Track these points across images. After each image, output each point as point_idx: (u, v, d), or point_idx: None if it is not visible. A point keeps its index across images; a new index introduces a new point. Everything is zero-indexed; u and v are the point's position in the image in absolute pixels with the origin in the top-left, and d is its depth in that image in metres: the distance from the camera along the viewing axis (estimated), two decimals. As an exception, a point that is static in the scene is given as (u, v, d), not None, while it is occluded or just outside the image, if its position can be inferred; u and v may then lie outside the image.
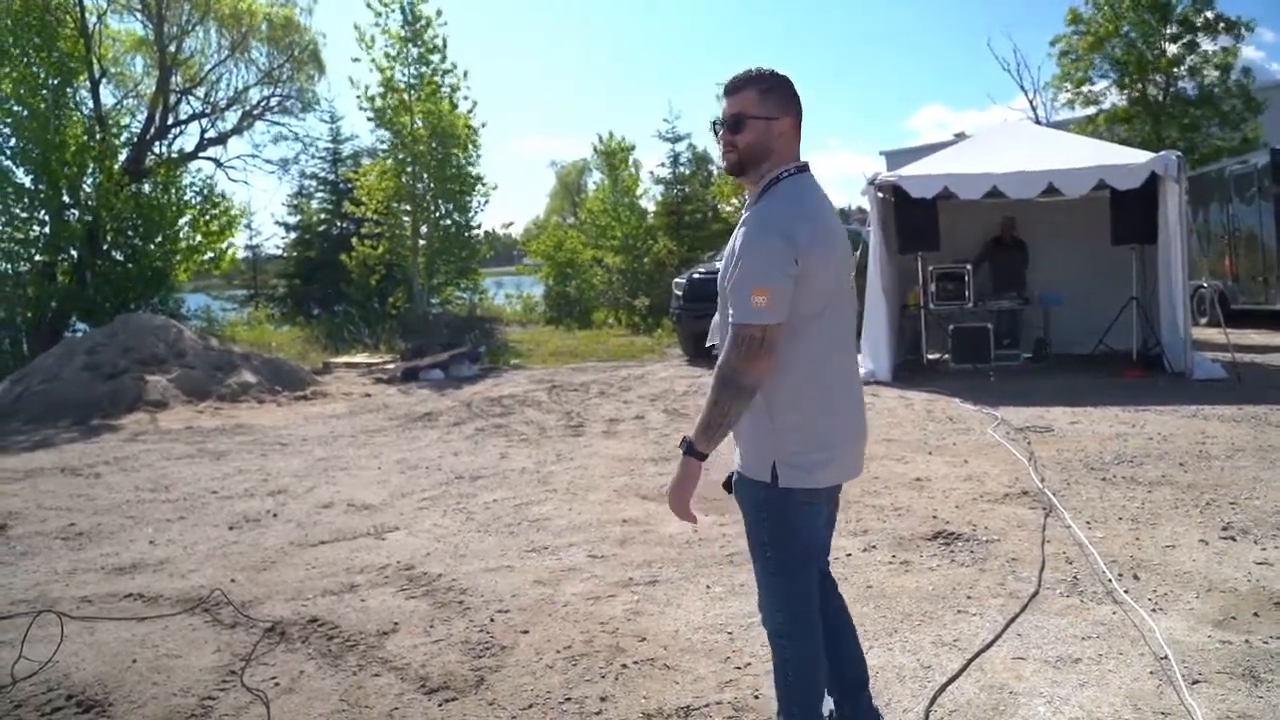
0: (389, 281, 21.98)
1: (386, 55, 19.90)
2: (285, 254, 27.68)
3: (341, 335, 19.52)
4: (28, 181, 18.79)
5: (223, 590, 5.02)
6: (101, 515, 6.96)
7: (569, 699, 3.67)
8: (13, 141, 18.56)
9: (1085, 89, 26.74)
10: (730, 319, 2.63)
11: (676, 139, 26.89)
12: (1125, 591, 4.43)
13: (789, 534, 2.78)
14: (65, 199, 19.14)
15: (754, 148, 2.75)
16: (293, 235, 27.15)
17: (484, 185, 21.30)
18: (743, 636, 4.15)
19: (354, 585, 5.10)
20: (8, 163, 18.57)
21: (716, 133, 2.85)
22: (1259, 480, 6.30)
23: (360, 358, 16.93)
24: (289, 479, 7.89)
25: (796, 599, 2.85)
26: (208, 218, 21.78)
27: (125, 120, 22.36)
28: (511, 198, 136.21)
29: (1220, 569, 4.71)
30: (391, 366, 15.35)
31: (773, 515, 2.77)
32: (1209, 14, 24.56)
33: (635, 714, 3.53)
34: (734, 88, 2.78)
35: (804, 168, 2.79)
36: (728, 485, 2.89)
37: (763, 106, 2.73)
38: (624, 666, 3.93)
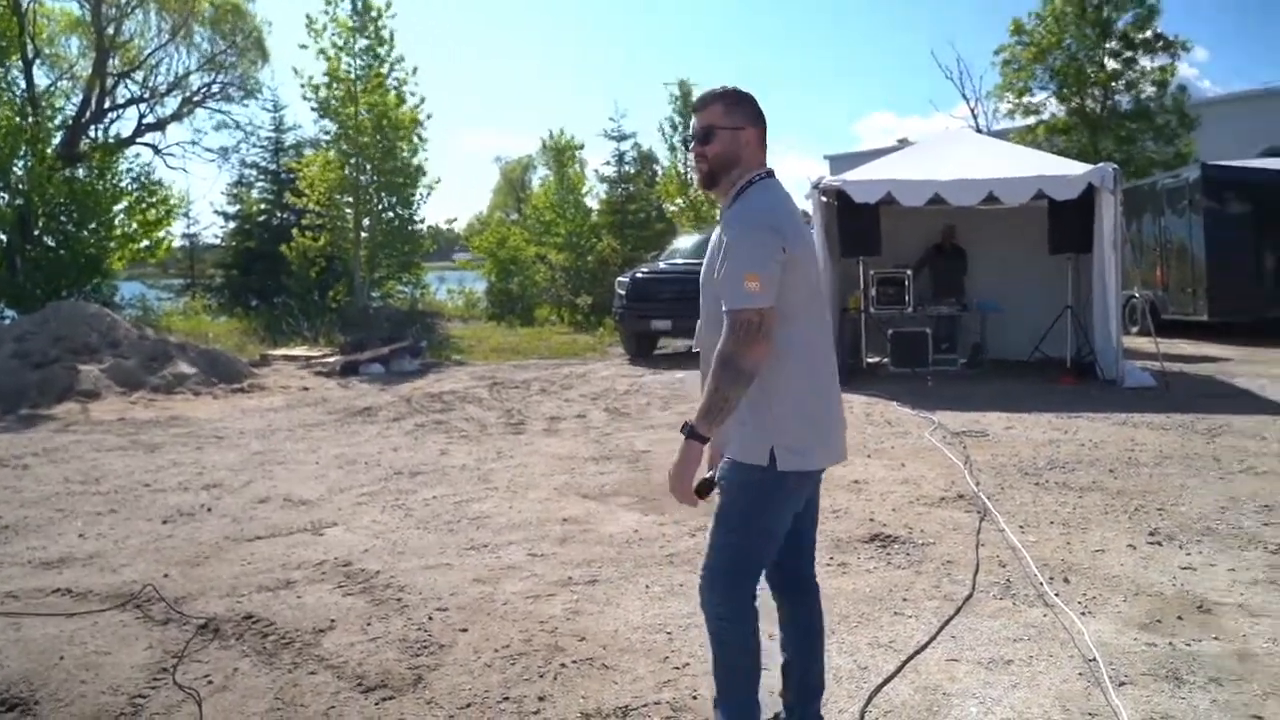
0: (329, 274, 21.71)
1: (334, 45, 19.64)
2: (224, 244, 27.21)
3: (280, 327, 19.26)
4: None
5: (155, 586, 4.93)
6: (29, 508, 6.80)
7: (507, 698, 3.67)
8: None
9: (1026, 99, 27.21)
10: (725, 308, 2.72)
11: (622, 138, 26.96)
12: (1056, 595, 4.53)
13: (760, 520, 2.85)
14: (-5, 182, 18.69)
15: (723, 157, 2.91)
16: (232, 225, 26.67)
17: (426, 178, 21.11)
18: (681, 637, 4.17)
19: (290, 581, 5.04)
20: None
21: (687, 146, 2.99)
22: (1185, 487, 6.47)
23: (299, 350, 16.71)
24: (224, 473, 7.77)
25: (744, 585, 2.90)
26: (144, 205, 21.37)
27: (59, 103, 21.91)
28: (455, 193, 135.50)
29: (1147, 573, 4.83)
30: (331, 360, 15.17)
31: (756, 498, 2.84)
32: (1149, 32, 25.12)
33: (574, 714, 3.54)
34: (702, 104, 2.99)
35: (771, 173, 2.94)
36: (701, 490, 2.89)
37: (729, 118, 2.91)
38: (563, 666, 3.93)
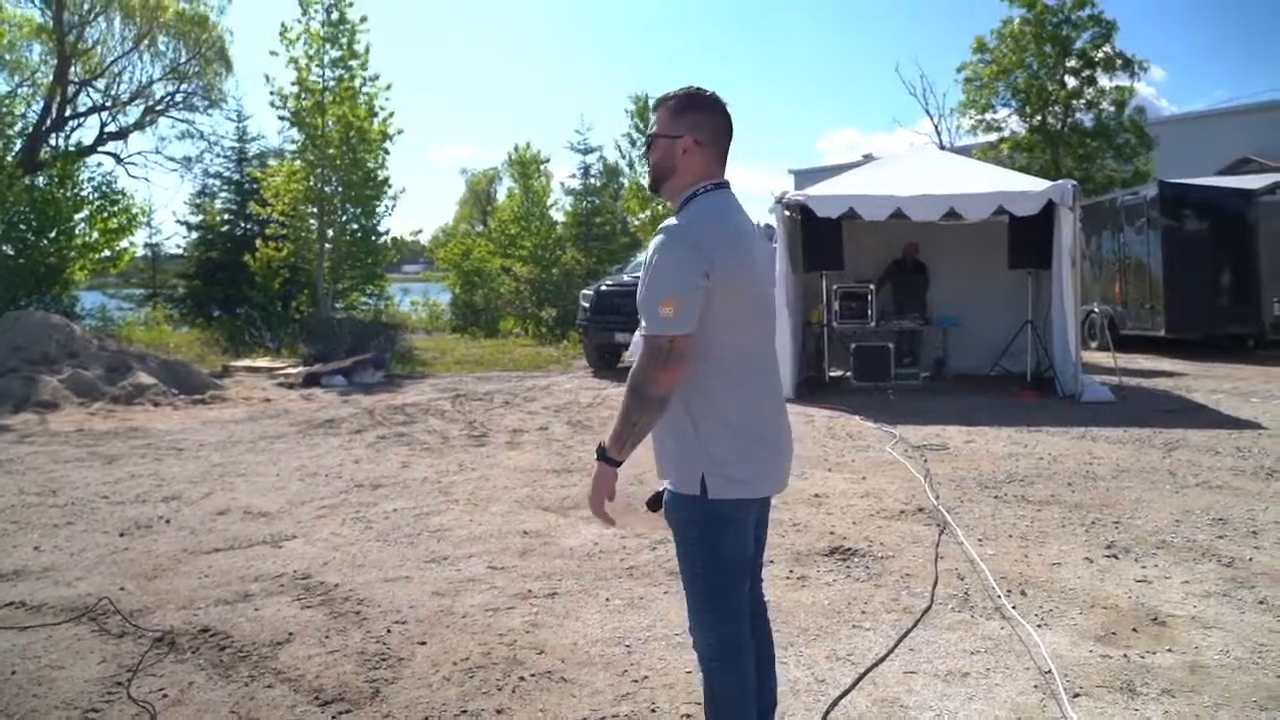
0: (293, 285, 21.55)
1: (306, 55, 19.50)
2: (186, 254, 26.90)
3: (243, 338, 19.11)
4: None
5: (111, 599, 4.87)
6: (-18, 520, 6.71)
7: (465, 711, 3.65)
8: (-103, 127, 17.87)
9: (988, 116, 27.56)
10: (641, 331, 2.65)
11: (587, 150, 26.95)
12: (1013, 607, 4.57)
13: (717, 551, 2.76)
14: (-48, 190, 18.48)
15: (659, 165, 2.83)
16: (194, 235, 26.39)
17: (390, 189, 20.96)
18: (641, 649, 4.17)
19: (248, 594, 4.99)
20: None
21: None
22: (1141, 501, 6.55)
23: (262, 362, 16.58)
24: (184, 485, 7.69)
25: (727, 618, 2.81)
26: (105, 214, 21.17)
27: (20, 109, 21.60)
28: (422, 204, 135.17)
29: (1103, 586, 4.88)
30: (294, 372, 15.06)
31: (703, 530, 2.74)
32: (1108, 49, 25.50)
33: (531, 727, 3.53)
34: (654, 107, 2.90)
35: (722, 185, 2.81)
36: (653, 504, 2.87)
37: (669, 126, 2.80)
38: (521, 679, 3.92)
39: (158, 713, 3.66)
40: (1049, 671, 3.84)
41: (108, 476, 8.08)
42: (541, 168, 27.55)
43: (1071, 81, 26.11)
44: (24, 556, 5.79)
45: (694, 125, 2.78)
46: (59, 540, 6.14)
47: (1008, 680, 3.81)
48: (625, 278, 15.84)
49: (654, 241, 2.70)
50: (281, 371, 15.33)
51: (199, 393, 12.90)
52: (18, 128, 21.05)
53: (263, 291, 21.21)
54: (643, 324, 2.64)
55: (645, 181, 2.97)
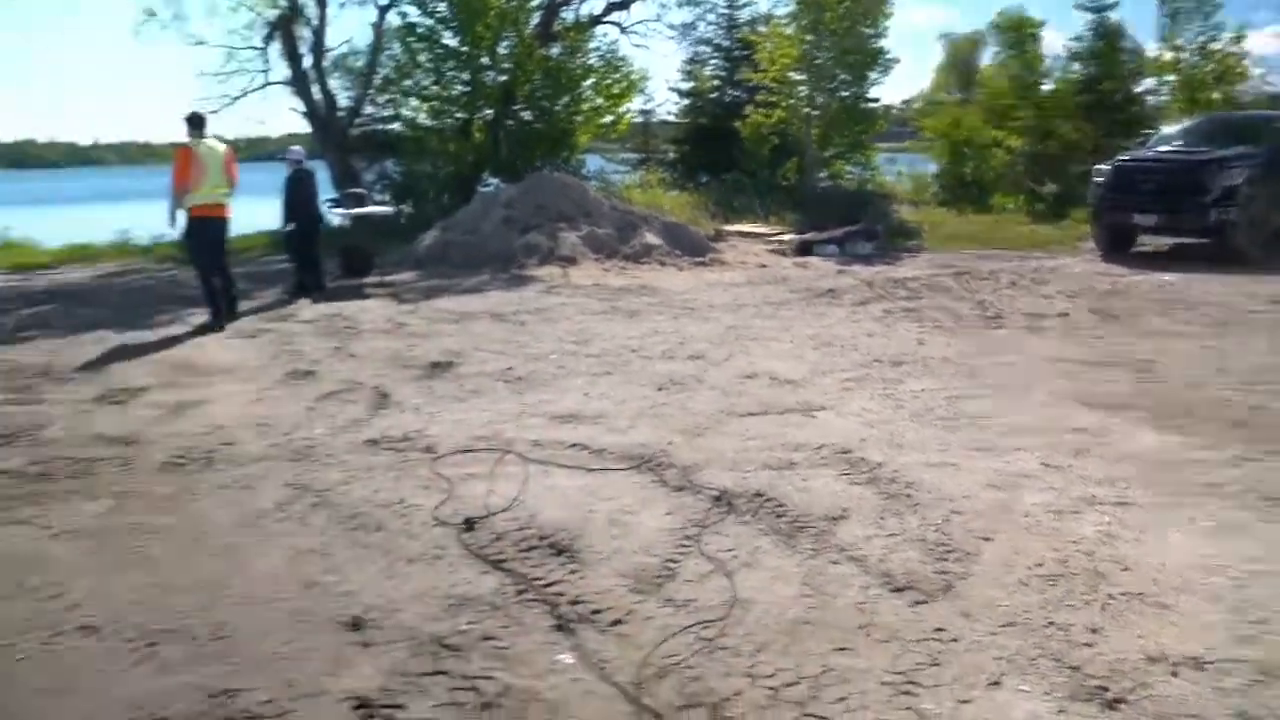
0: (781, 153, 21.68)
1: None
2: (677, 120, 27.95)
3: (731, 203, 19.53)
4: (454, 43, 20.07)
5: (665, 452, 5.05)
6: (533, 363, 7.29)
7: (1052, 623, 3.35)
8: (442, 5, 19.83)
9: None
10: None
11: (1101, 9, 24.29)
12: None
13: None
14: (484, 60, 20.27)
15: None
16: (685, 102, 27.32)
17: (885, 58, 20.38)
18: (1253, 584, 3.61)
19: (792, 463, 4.97)
20: (438, 25, 19.89)
21: None
22: None
23: (751, 227, 16.86)
24: (704, 344, 7.90)
25: None
26: (609, 81, 22.34)
27: (538, -16, 23.10)
28: (895, 70, 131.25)
29: None
30: (786, 238, 15.17)
31: None
32: None
33: (1134, 654, 3.16)
34: None
35: None
36: None
37: None
38: (1110, 596, 3.53)
39: (732, 573, 3.69)
40: None
41: (632, 330, 8.52)
42: (1034, 33, 25.38)
43: None
44: (575, 401, 6.21)
45: None
46: (602, 388, 6.53)
47: None
48: (1149, 152, 14.21)
49: None
50: (774, 238, 15.49)
51: (699, 255, 13.34)
52: (535, 2, 22.58)
53: (751, 158, 21.55)
54: None
55: None
